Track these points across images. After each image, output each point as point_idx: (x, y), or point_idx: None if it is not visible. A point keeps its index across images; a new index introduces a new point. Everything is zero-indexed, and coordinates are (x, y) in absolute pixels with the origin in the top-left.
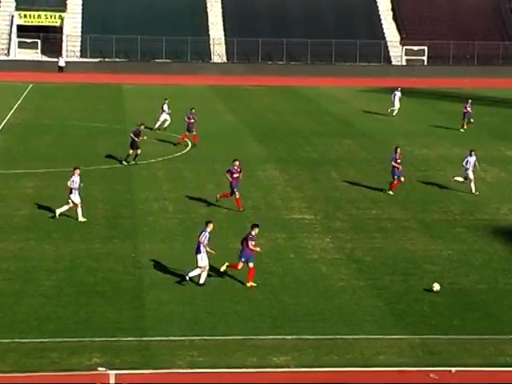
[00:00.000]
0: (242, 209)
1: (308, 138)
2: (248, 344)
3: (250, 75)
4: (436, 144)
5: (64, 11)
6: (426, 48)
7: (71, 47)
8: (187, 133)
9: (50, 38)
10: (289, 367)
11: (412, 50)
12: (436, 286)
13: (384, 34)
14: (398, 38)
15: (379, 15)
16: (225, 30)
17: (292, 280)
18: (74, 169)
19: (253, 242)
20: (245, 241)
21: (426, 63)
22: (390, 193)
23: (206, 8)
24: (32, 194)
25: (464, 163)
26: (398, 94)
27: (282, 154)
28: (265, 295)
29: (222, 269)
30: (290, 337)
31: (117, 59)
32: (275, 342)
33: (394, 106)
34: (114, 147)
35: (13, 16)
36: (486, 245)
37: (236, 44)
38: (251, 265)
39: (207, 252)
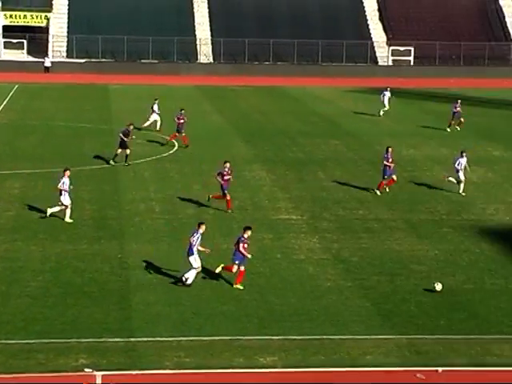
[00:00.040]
0: (230, 210)
1: (295, 139)
2: (235, 344)
3: (237, 75)
4: (423, 144)
5: (50, 11)
6: (412, 48)
7: (57, 47)
8: (177, 134)
9: (36, 39)
10: (276, 367)
11: (398, 50)
12: (438, 286)
13: (370, 34)
14: (384, 38)
15: (365, 16)
16: (211, 30)
17: (279, 280)
18: (64, 170)
19: (245, 245)
20: (237, 243)
21: (412, 63)
22: (378, 193)
23: (192, 8)
24: (18, 194)
25: (456, 165)
26: (388, 94)
27: (269, 154)
28: (252, 295)
29: (218, 270)
30: (276, 337)
31: (103, 59)
32: (262, 343)
33: (384, 106)
34: (101, 147)
35: None
36: (472, 245)
37: (222, 44)
38: (242, 268)
39: (199, 252)
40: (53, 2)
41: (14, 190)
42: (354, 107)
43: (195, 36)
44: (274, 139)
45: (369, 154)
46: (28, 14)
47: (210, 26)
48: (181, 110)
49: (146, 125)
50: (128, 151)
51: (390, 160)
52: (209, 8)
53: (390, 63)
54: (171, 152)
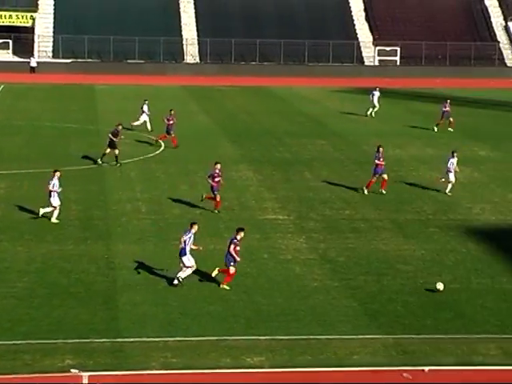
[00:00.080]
0: (217, 211)
1: (281, 139)
2: (222, 345)
3: (223, 76)
4: (409, 144)
5: (35, 11)
6: (398, 48)
7: (43, 48)
8: (167, 135)
9: (22, 39)
10: (263, 368)
11: (384, 50)
12: (440, 286)
13: (357, 34)
14: (370, 38)
15: (352, 16)
16: (198, 30)
17: (266, 280)
18: (54, 171)
19: (237, 248)
20: (229, 245)
21: (398, 63)
22: (365, 192)
23: (178, 8)
24: (4, 194)
25: (449, 165)
26: (377, 93)
27: (256, 154)
28: (238, 296)
29: (214, 274)
30: (263, 337)
31: (89, 60)
32: (249, 343)
33: (374, 106)
34: (87, 148)
35: None
36: (458, 245)
37: (209, 44)
38: (232, 269)
39: (192, 251)
40: (38, 2)
41: None
42: (341, 107)
43: (181, 36)
44: (261, 139)
45: (355, 153)
46: (13, 13)
47: (197, 26)
48: (170, 111)
49: (135, 123)
50: (117, 151)
51: (382, 159)
52: (195, 8)
53: (377, 63)
54: (158, 152)
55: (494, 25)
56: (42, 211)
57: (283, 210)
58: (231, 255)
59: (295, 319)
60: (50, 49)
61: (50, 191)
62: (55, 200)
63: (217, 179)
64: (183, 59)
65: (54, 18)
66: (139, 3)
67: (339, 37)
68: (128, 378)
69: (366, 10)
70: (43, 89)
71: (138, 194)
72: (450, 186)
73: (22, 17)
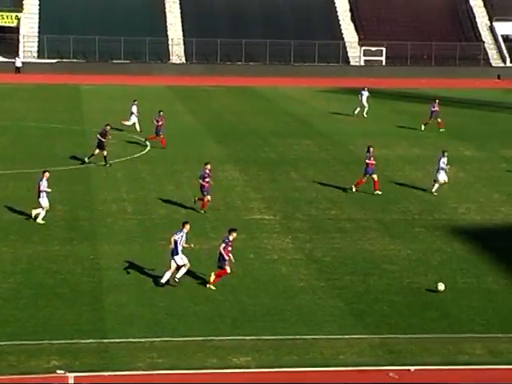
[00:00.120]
0: (203, 211)
1: (267, 139)
2: (208, 345)
3: (209, 76)
4: (395, 144)
5: (20, 11)
6: (384, 49)
7: (28, 48)
8: (156, 136)
9: (7, 39)
10: (249, 368)
11: (370, 50)
12: (441, 286)
13: (342, 34)
14: (356, 38)
15: (337, 16)
16: (183, 30)
17: (252, 280)
18: (43, 172)
19: (229, 248)
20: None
21: (384, 64)
22: (354, 189)
23: (164, 8)
24: None
25: (441, 164)
26: (366, 93)
27: (241, 154)
28: (224, 296)
29: (211, 279)
30: (249, 337)
31: (74, 60)
32: (235, 343)
33: (364, 106)
34: (72, 148)
35: None
36: (444, 244)
37: (195, 44)
38: (228, 269)
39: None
40: (23, 2)
41: None
42: (327, 107)
43: (167, 36)
44: (247, 139)
45: (341, 153)
46: None
47: (182, 26)
48: (159, 112)
49: (126, 123)
50: (105, 152)
51: (372, 159)
52: (181, 8)
53: (362, 63)
54: (144, 152)
55: (479, 25)
56: (34, 212)
57: (269, 210)
58: (221, 255)
59: (281, 319)
60: (35, 49)
61: (40, 192)
62: (44, 200)
63: (207, 179)
64: (169, 59)
65: (39, 18)
66: (125, 3)
67: (325, 37)
68: (114, 379)
69: (351, 10)
70: (28, 89)
71: (124, 194)
72: (436, 185)
73: (7, 17)
